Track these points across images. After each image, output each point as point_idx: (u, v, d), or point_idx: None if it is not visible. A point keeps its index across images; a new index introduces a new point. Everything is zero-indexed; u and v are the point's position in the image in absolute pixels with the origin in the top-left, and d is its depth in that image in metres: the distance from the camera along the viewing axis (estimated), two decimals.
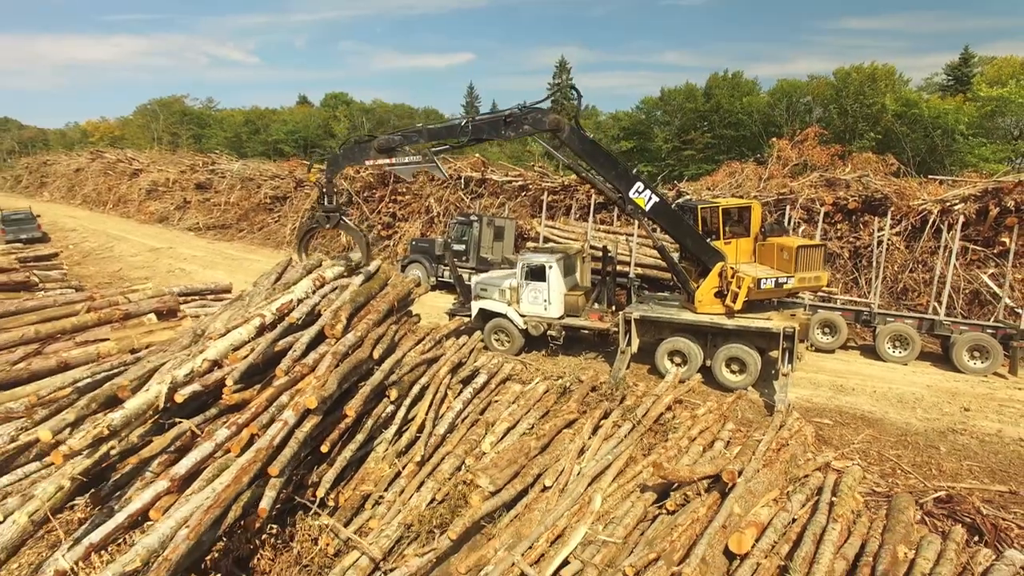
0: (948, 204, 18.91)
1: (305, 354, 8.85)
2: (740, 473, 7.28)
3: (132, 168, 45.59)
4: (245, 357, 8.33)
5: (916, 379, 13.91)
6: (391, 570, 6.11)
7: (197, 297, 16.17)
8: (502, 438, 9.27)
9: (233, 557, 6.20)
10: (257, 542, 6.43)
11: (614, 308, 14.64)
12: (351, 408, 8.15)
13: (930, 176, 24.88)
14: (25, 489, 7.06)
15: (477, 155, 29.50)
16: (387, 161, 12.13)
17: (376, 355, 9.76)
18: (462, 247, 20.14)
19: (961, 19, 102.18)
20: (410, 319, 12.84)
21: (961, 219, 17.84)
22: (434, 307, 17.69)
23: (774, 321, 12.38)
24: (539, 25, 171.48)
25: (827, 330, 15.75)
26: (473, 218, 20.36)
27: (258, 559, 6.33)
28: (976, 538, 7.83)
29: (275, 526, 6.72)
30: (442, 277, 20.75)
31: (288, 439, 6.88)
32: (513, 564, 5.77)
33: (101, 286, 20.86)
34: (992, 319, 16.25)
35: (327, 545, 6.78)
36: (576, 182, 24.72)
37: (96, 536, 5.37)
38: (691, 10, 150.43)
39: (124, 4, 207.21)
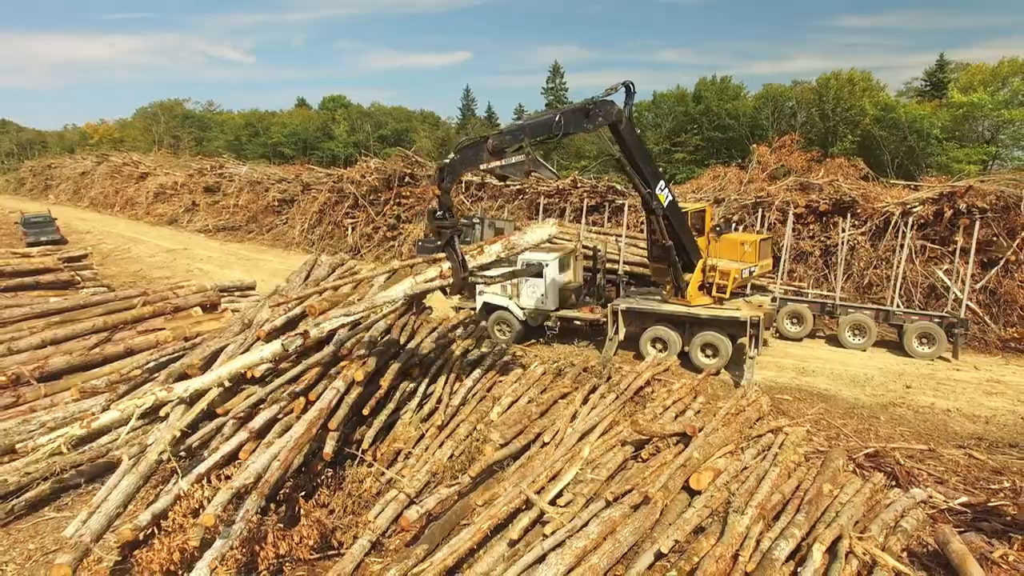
0: (908, 206, 20.82)
1: (348, 338, 10.64)
2: (701, 430, 9.08)
3: (139, 171, 47.08)
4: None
5: (870, 363, 15.76)
6: (424, 501, 7.84)
7: (226, 294, 17.85)
8: (507, 409, 11.02)
9: (302, 492, 7.92)
10: (317, 482, 8.17)
11: (604, 301, 16.42)
12: (385, 380, 9.90)
13: (893, 181, 26.88)
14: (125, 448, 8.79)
15: None
16: (498, 163, 11.08)
17: (402, 340, 11.55)
18: (464, 246, 21.80)
19: (959, 16, 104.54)
20: (425, 311, 14.58)
21: (913, 219, 19.82)
22: (441, 302, 19.42)
23: (742, 311, 14.19)
24: (535, 24, 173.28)
25: (795, 320, 17.58)
26: (475, 220, 22.06)
27: (319, 494, 8.05)
28: (894, 482, 9.65)
29: (330, 470, 8.45)
30: None
31: (340, 403, 8.63)
32: (520, 492, 7.52)
33: (126, 285, 22.55)
34: (945, 310, 18.19)
35: (371, 486, 8.52)
36: (569, 186, 26.55)
37: (202, 468, 7.10)
38: (689, 8, 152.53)
39: (119, 3, 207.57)
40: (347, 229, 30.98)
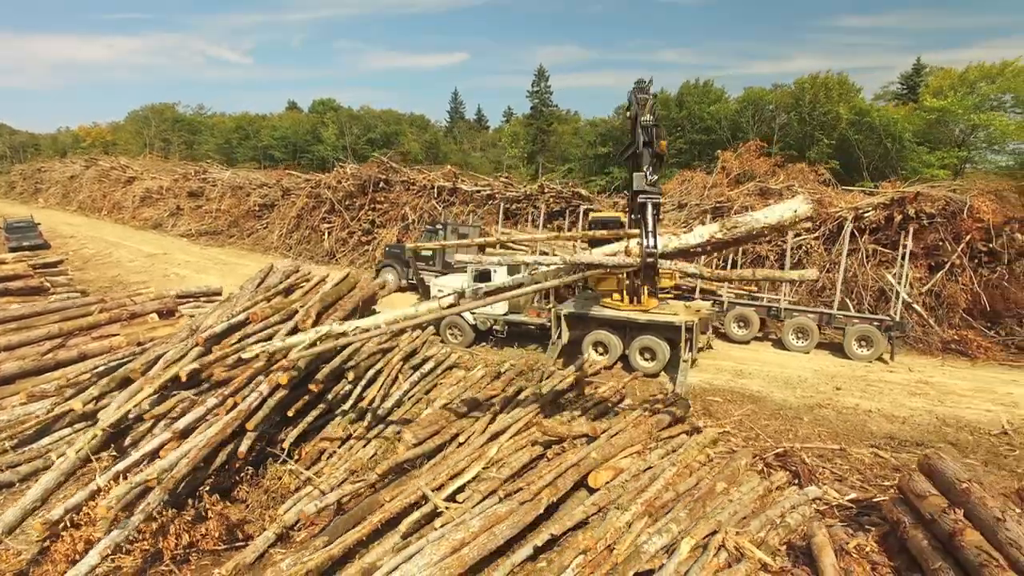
0: (860, 211, 21.42)
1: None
2: (605, 431, 9.63)
3: (126, 175, 47.65)
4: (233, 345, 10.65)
5: (808, 365, 16.31)
6: (326, 497, 8.37)
7: (191, 299, 18.37)
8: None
9: (220, 488, 8.47)
10: (237, 479, 8.72)
11: (551, 306, 16.97)
12: (314, 384, 10.43)
13: (861, 187, 27.43)
14: (61, 448, 9.34)
15: (449, 166, 31.76)
16: None
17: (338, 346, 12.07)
18: (430, 253, 22.40)
19: (959, 16, 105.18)
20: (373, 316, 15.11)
21: (866, 224, 20.39)
22: (404, 306, 19.99)
23: (679, 316, 14.74)
24: (535, 24, 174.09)
25: (741, 323, 18.13)
26: (439, 226, 22.63)
27: (238, 491, 8.60)
28: (796, 480, 10.20)
29: (251, 468, 9.00)
30: (412, 280, 23.00)
31: (262, 405, 9.18)
32: (418, 489, 8.07)
33: (102, 290, 23.03)
34: (888, 313, 18.80)
35: (290, 483, 9.07)
36: (536, 191, 27.12)
37: (121, 466, 7.65)
38: (689, 8, 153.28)
39: (118, 3, 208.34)
40: (324, 234, 31.53)
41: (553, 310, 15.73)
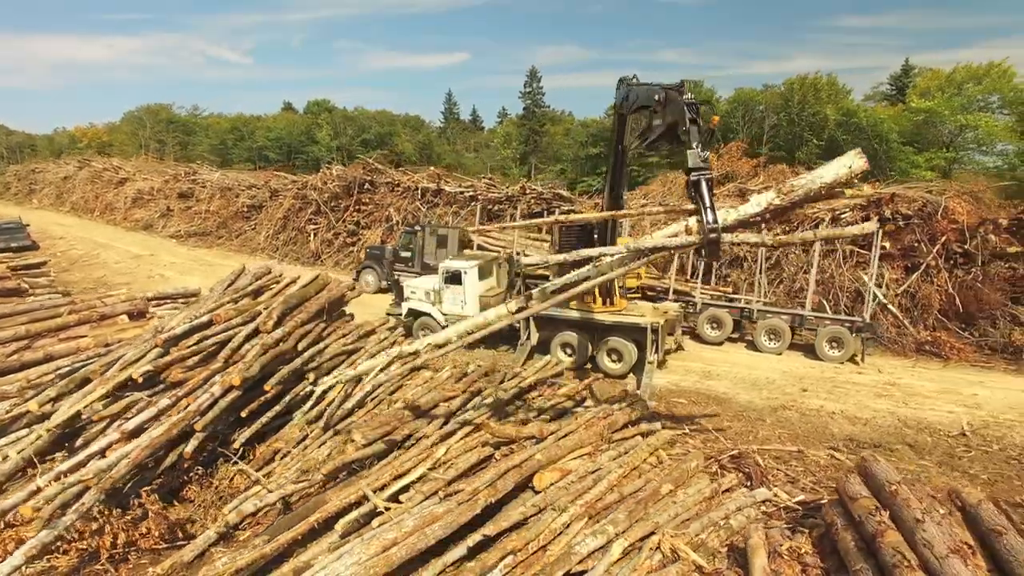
0: (837, 212, 21.48)
1: (242, 345, 11.27)
2: (552, 433, 9.71)
3: (119, 176, 47.78)
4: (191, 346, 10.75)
5: (778, 366, 16.37)
6: (266, 496, 8.46)
7: (169, 300, 18.45)
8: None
9: (168, 488, 8.57)
10: (186, 478, 8.81)
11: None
12: (269, 385, 10.52)
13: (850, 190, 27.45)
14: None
15: (433, 167, 31.85)
16: None
17: (300, 347, 12.18)
18: (408, 254, 22.50)
19: (959, 16, 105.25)
20: (343, 318, 15.20)
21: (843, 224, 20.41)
22: (381, 307, 20.09)
23: (646, 317, 14.81)
24: (535, 24, 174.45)
25: (714, 325, 18.20)
26: (417, 228, 22.71)
27: (187, 490, 8.69)
28: (748, 483, 10.27)
29: (201, 468, 9.10)
30: (391, 280, 23.10)
31: (213, 406, 9.26)
32: (360, 490, 8.16)
33: (86, 291, 23.12)
34: (861, 314, 18.89)
35: (240, 484, 9.16)
36: (518, 192, 27.22)
37: (65, 466, 7.74)
38: (690, 8, 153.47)
39: (118, 3, 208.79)
40: (309, 235, 31.62)
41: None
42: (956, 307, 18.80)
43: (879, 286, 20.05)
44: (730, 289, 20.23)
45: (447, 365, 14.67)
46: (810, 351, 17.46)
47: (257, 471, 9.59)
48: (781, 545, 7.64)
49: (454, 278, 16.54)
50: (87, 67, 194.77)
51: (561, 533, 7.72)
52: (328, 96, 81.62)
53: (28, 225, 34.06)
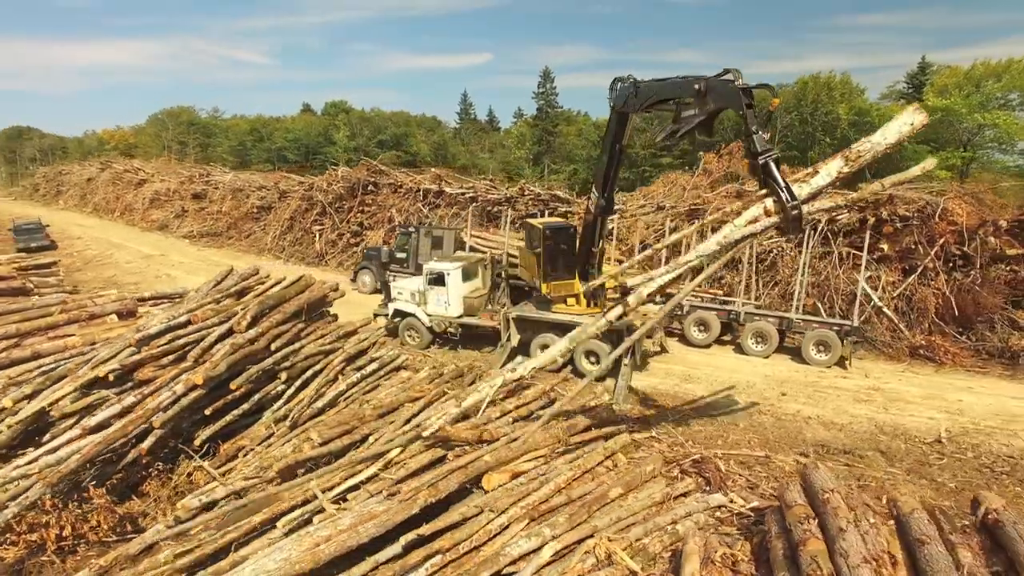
0: (834, 213, 21.16)
1: (214, 345, 11.58)
2: (505, 435, 9.79)
3: (138, 178, 49.05)
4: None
5: (761, 370, 16.20)
6: (214, 492, 8.70)
7: (166, 300, 18.92)
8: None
9: (128, 483, 8.88)
10: (145, 474, 9.12)
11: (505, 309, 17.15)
12: (236, 384, 10.80)
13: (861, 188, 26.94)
14: None
15: (433, 169, 32.09)
16: None
17: (273, 347, 12.45)
18: (404, 255, 22.74)
19: (974, 14, 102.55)
20: (325, 318, 15.45)
21: (839, 226, 20.20)
22: (372, 306, 20.35)
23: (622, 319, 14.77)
24: (551, 24, 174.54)
25: (702, 327, 18.07)
26: (411, 229, 22.96)
27: (146, 485, 8.99)
28: (708, 487, 10.23)
29: (161, 464, 9.40)
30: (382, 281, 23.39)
31: (174, 404, 9.55)
32: (307, 488, 8.36)
33: (95, 291, 23.86)
34: (861, 317, 18.63)
35: (200, 480, 9.43)
36: (517, 194, 27.32)
37: (22, 461, 8.07)
38: (709, 8, 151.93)
39: (142, 7, 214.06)
40: (315, 236, 32.12)
41: (502, 313, 15.91)
42: (953, 311, 18.41)
43: (875, 289, 19.75)
44: (720, 291, 20.04)
45: (427, 366, 14.88)
46: (798, 355, 17.25)
47: (219, 467, 9.86)
48: (716, 552, 7.61)
49: (438, 279, 16.71)
50: (113, 71, 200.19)
51: (497, 534, 7.80)
52: (352, 97, 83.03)
53: (47, 226, 35.23)
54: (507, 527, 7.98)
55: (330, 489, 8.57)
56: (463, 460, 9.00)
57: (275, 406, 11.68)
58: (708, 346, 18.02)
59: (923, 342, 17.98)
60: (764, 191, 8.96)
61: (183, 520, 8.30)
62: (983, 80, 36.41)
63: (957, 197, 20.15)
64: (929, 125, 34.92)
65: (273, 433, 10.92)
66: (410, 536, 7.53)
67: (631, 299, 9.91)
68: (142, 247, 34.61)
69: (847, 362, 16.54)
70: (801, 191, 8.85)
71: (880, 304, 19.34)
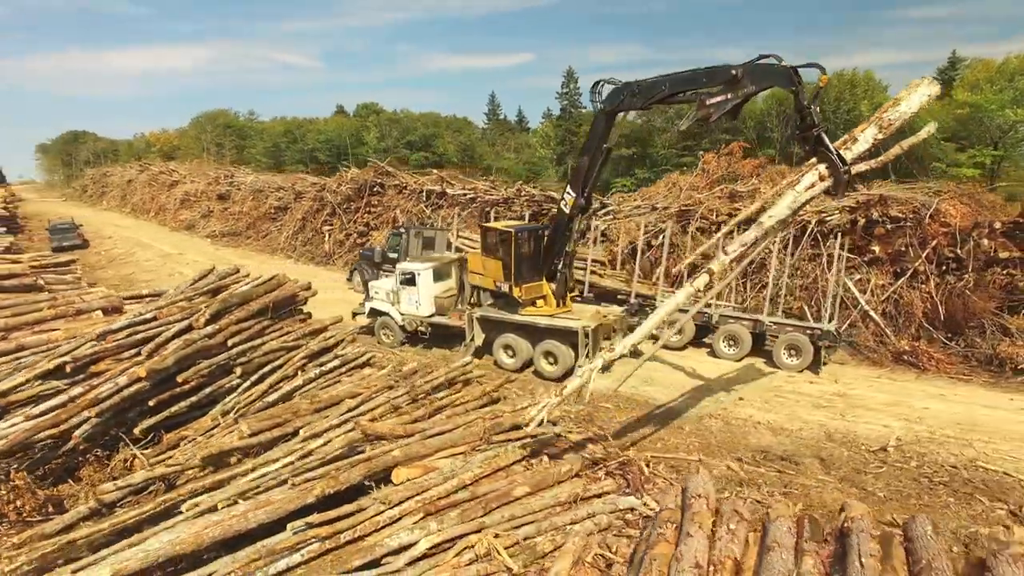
0: (825, 214, 20.69)
1: (171, 340, 12.29)
2: (423, 430, 10.11)
3: (171, 179, 51.35)
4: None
5: (727, 374, 16.00)
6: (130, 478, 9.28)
7: (159, 298, 19.95)
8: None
9: (65, 467, 9.58)
10: (83, 459, 9.81)
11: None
12: (182, 377, 11.45)
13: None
14: None
15: (435, 171, 32.61)
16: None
17: (230, 343, 13.08)
18: (395, 255, 23.28)
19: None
20: (297, 316, 16.05)
21: (830, 228, 19.76)
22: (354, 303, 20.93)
23: (579, 321, 14.90)
24: (600, 23, 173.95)
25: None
26: (401, 230, 23.48)
27: (84, 471, 9.68)
28: (628, 488, 10.30)
29: (100, 450, 10.08)
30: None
31: (115, 395, 10.23)
32: (232, 476, 8.88)
33: (111, 287, 25.27)
34: (847, 321, 18.25)
35: (139, 467, 10.08)
36: (514, 195, 27.55)
37: None
38: (757, 4, 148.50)
39: (194, 14, 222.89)
40: (325, 236, 33.08)
41: (467, 313, 16.21)
42: (942, 315, 17.78)
43: (863, 292, 19.24)
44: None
45: (391, 363, 15.33)
46: (770, 357, 16.97)
47: (159, 456, 10.50)
48: (590, 553, 7.75)
49: (409, 280, 17.13)
50: (168, 75, 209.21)
51: (386, 526, 8.12)
52: (393, 98, 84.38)
53: (80, 226, 37.33)
54: (399, 520, 8.32)
55: (246, 475, 9.05)
56: (369, 453, 9.35)
57: (227, 400, 12.29)
58: (683, 348, 17.90)
59: (907, 348, 17.43)
60: (815, 159, 9.93)
61: (110, 503, 8.92)
62: (1016, 74, 34.63)
63: (952, 198, 19.42)
64: (957, 121, 33.41)
65: (218, 425, 11.49)
66: (297, 523, 7.94)
67: (715, 265, 10.34)
68: (164, 246, 36.31)
69: (820, 367, 16.19)
70: (848, 156, 9.78)
71: (867, 308, 18.83)
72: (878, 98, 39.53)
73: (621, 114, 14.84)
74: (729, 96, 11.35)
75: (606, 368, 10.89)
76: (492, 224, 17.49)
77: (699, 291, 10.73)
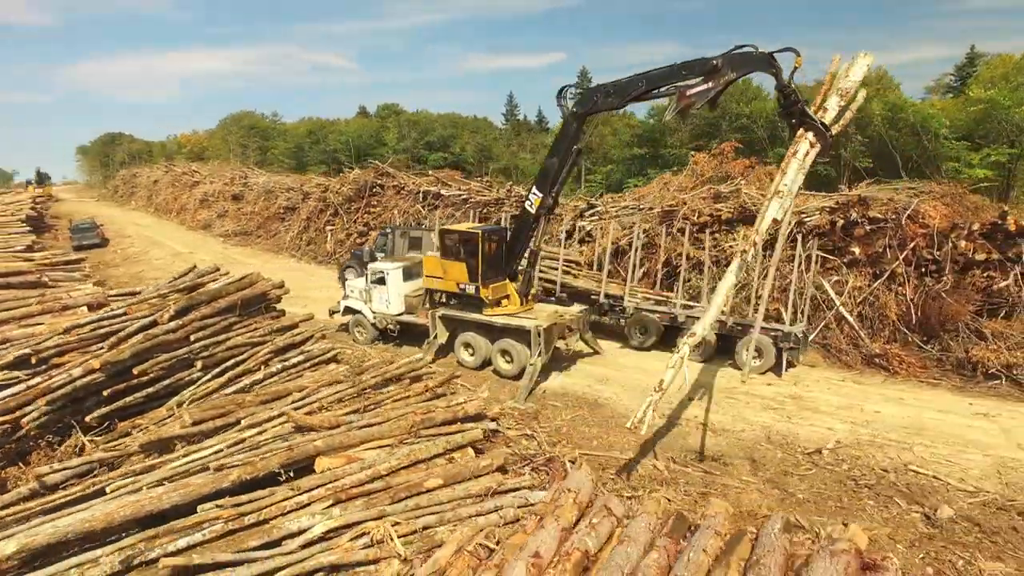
0: (804, 215, 20.54)
1: (133, 335, 13.03)
2: (349, 423, 10.57)
3: (193, 180, 53.15)
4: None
5: (688, 376, 15.99)
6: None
7: (131, 296, 20.87)
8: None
9: (17, 452, 10.34)
10: (34, 445, 10.56)
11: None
12: (138, 370, 12.15)
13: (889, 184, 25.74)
14: None
15: (430, 172, 33.14)
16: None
17: (193, 338, 13.77)
18: (383, 255, 23.88)
19: None
20: (268, 313, 16.71)
21: (809, 229, 19.62)
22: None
23: (533, 320, 15.18)
24: (633, 22, 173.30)
25: (642, 330, 18.07)
26: (388, 230, 24.06)
27: (34, 455, 10.43)
28: (548, 483, 10.58)
29: (51, 436, 10.83)
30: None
31: (67, 385, 10.97)
32: (163, 461, 9.49)
33: (121, 285, 26.51)
34: (823, 323, 18.17)
35: (90, 452, 10.79)
36: (505, 195, 27.91)
37: None
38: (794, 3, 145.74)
39: (233, 17, 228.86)
40: (327, 236, 33.97)
41: (431, 311, 16.64)
42: (916, 319, 17.53)
43: (839, 294, 19.06)
44: (675, 294, 19.88)
45: (354, 360, 15.89)
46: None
47: (109, 443, 11.20)
48: (471, 543, 8.07)
49: (380, 279, 17.65)
50: (209, 77, 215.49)
51: (292, 511, 8.59)
52: (425, 98, 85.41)
53: (101, 225, 39.02)
54: (308, 505, 8.79)
55: (177, 460, 9.65)
56: (291, 443, 9.85)
57: (184, 392, 12.97)
58: (648, 349, 18.00)
59: (879, 351, 17.24)
60: (802, 130, 11.05)
61: (51, 486, 9.61)
62: None
63: (933, 199, 19.09)
64: (972, 119, 32.30)
65: (173, 415, 12.15)
66: (207, 505, 8.48)
67: (756, 236, 11.14)
68: (177, 245, 37.71)
69: (781, 369, 16.15)
70: (826, 119, 11.12)
71: (842, 310, 18.67)
72: (890, 96, 38.57)
73: (591, 116, 15.24)
74: (711, 85, 12.07)
75: (695, 350, 11.90)
76: (453, 227, 17.86)
77: (745, 262, 11.62)
